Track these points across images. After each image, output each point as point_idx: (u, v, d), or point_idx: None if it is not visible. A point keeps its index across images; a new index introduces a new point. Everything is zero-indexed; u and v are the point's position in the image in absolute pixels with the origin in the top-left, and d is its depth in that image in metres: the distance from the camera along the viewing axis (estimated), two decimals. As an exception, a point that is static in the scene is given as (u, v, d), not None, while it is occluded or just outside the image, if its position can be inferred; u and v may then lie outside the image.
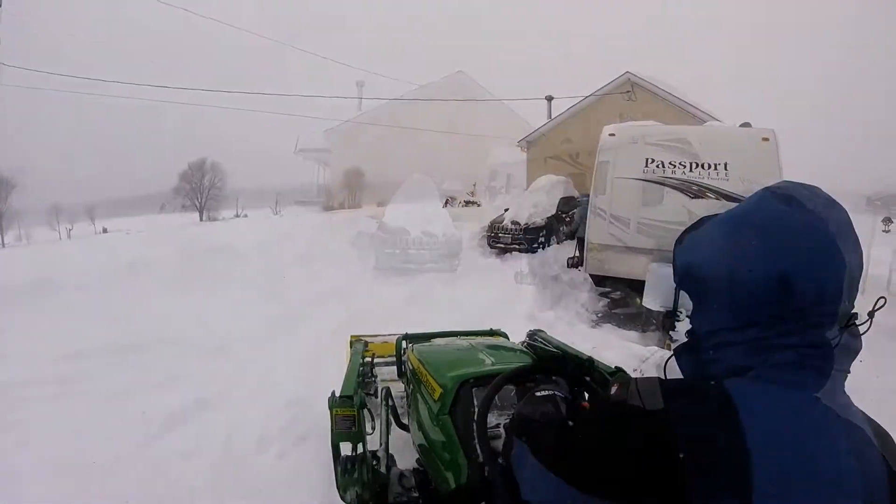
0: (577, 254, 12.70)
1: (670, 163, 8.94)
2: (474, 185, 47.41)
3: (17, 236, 59.71)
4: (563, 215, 15.31)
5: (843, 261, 0.87)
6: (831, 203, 0.92)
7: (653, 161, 9.02)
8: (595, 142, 19.99)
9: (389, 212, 13.21)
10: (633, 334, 8.30)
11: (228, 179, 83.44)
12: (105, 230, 60.25)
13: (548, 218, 14.49)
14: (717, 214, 1.04)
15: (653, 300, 5.58)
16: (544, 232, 14.19)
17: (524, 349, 3.25)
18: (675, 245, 1.10)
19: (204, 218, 74.34)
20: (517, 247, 14.06)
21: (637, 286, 8.71)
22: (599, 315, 9.39)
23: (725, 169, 8.72)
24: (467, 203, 38.66)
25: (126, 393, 5.82)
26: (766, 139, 8.74)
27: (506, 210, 15.86)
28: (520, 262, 12.77)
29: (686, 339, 1.06)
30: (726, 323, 0.95)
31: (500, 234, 14.38)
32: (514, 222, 14.31)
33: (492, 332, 4.18)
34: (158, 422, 5.14)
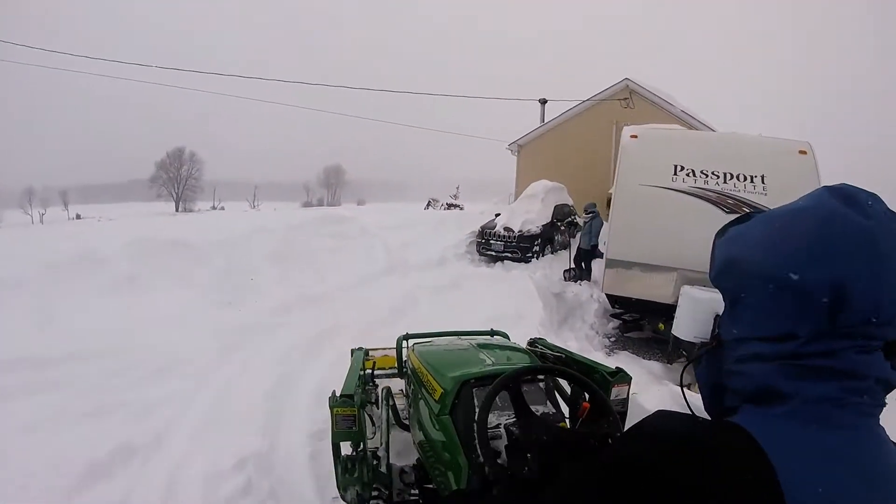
0: (574, 266, 11.51)
1: (702, 172, 7.77)
2: (457, 187, 46.59)
3: None
4: (559, 223, 14.13)
5: None
6: (893, 215, 0.77)
7: (682, 169, 7.83)
8: (592, 149, 19.92)
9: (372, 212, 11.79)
10: (656, 365, 7.15)
11: (206, 170, 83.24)
12: (79, 216, 59.60)
13: (543, 226, 13.31)
14: (765, 210, 0.88)
15: (686, 329, 4.39)
16: (539, 241, 13.00)
17: (525, 350, 3.19)
18: (716, 237, 0.92)
19: (180, 209, 73.94)
20: (510, 255, 12.86)
21: (658, 310, 7.52)
22: (612, 339, 8.18)
23: (763, 182, 7.60)
24: (449, 206, 37.87)
25: (38, 427, 4.61)
26: (803, 152, 7.74)
27: (497, 215, 14.62)
28: (513, 272, 11.53)
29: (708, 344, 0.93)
30: (760, 331, 0.80)
31: (491, 241, 13.14)
32: (507, 229, 13.08)
33: (492, 333, 4.08)
34: (72, 475, 3.94)
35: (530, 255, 12.78)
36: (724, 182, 7.70)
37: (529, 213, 13.33)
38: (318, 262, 10.94)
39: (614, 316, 8.51)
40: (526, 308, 7.50)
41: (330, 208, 50.30)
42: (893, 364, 0.76)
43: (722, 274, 0.89)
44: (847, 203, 0.76)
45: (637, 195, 7.79)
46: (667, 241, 7.44)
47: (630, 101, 19.57)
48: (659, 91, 19.89)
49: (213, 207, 72.61)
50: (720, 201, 7.54)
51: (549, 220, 13.64)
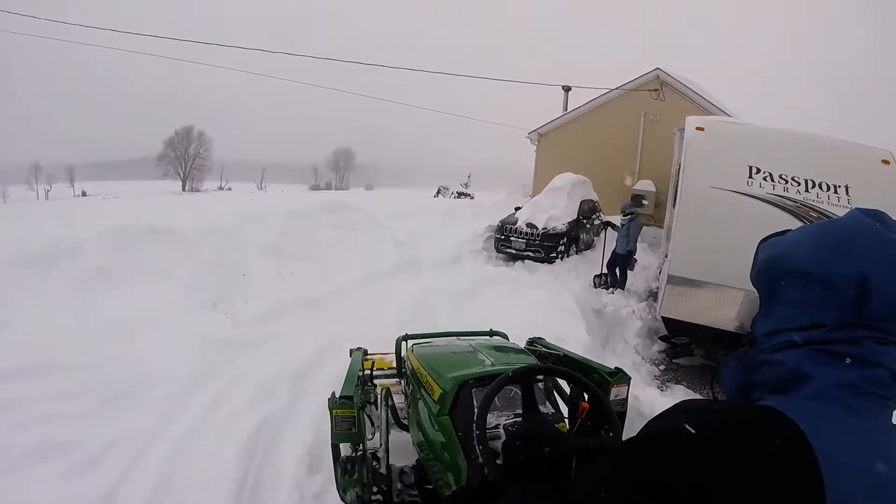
0: (607, 272, 10.20)
1: (781, 177, 6.46)
2: (468, 175, 45.23)
3: None
4: (584, 221, 12.80)
5: None
6: None
7: (758, 171, 6.52)
8: (617, 142, 18.53)
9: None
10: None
11: (215, 150, 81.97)
12: (84, 193, 58.75)
13: (569, 223, 11.97)
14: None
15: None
16: (564, 240, 11.67)
17: (524, 350, 3.29)
18: (759, 244, 1.03)
19: (187, 188, 72.84)
20: (531, 254, 11.55)
21: (717, 337, 6.21)
22: (661, 368, 6.89)
23: (847, 193, 6.34)
24: (460, 194, 36.53)
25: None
26: (885, 162, 6.58)
27: (517, 209, 13.29)
28: (537, 274, 10.24)
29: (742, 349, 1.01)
30: (793, 322, 0.89)
31: (512, 238, 11.80)
32: (529, 225, 11.75)
33: (492, 333, 4.08)
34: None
35: (554, 255, 11.46)
36: (807, 191, 6.40)
37: (555, 209, 12.00)
38: (319, 256, 9.67)
39: (662, 339, 7.19)
40: (564, 327, 6.19)
41: (337, 192, 49.22)
42: None
43: (761, 273, 0.97)
44: (876, 219, 0.87)
45: (708, 200, 6.44)
46: (740, 257, 6.09)
47: (661, 92, 18.15)
48: (690, 82, 18.50)
49: (220, 188, 71.86)
50: (802, 213, 6.23)
51: (574, 216, 12.31)
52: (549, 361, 3.14)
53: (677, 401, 0.89)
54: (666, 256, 7.14)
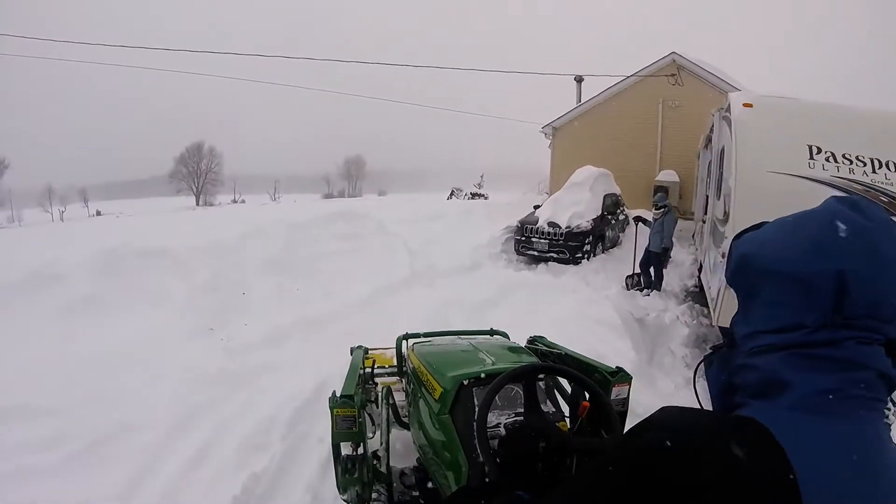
0: (640, 271, 9.29)
1: (845, 157, 5.54)
2: (481, 176, 44.31)
3: (8, 217, 58.57)
4: (609, 217, 11.91)
5: None
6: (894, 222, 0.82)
7: (819, 151, 5.60)
8: (635, 131, 17.59)
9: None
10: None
11: (227, 164, 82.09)
12: (99, 213, 59.02)
13: (593, 220, 11.08)
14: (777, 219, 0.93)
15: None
16: (590, 238, 10.78)
17: (525, 349, 3.23)
18: (733, 241, 0.98)
19: (200, 203, 72.94)
20: (555, 255, 10.67)
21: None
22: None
23: (918, 175, 5.42)
24: (474, 195, 35.67)
25: None
26: None
27: (536, 207, 12.42)
28: (563, 278, 9.37)
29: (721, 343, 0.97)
30: (771, 324, 0.84)
31: (533, 239, 10.93)
32: (551, 224, 10.88)
33: (492, 332, 4.06)
34: None
35: (580, 255, 10.57)
36: (874, 171, 5.48)
37: (578, 206, 11.11)
38: (326, 271, 8.88)
39: (715, 349, 6.27)
40: (605, 342, 5.29)
41: (350, 200, 48.66)
42: (895, 362, 0.79)
43: (737, 272, 0.92)
44: (852, 208, 0.81)
45: (766, 187, 5.46)
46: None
47: (678, 77, 17.22)
48: (708, 65, 17.55)
49: (234, 201, 72.04)
50: (871, 198, 5.32)
51: (599, 212, 11.41)
52: (549, 360, 3.14)
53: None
54: (701, 252, 6.19)
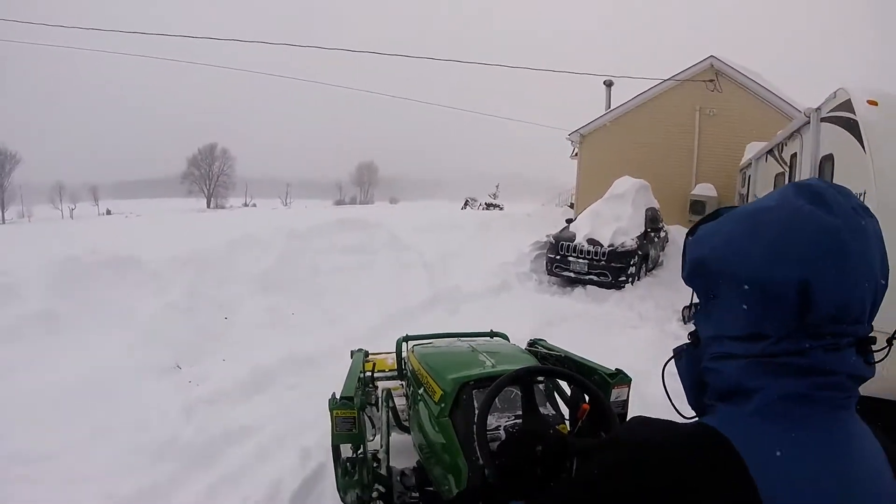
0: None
1: None
2: (497, 185, 42.82)
3: (19, 213, 58.04)
4: (652, 234, 10.35)
5: (873, 278, 0.73)
6: (863, 211, 0.75)
7: None
8: (670, 140, 16.05)
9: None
10: None
11: (239, 167, 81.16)
12: (109, 211, 58.40)
13: (637, 238, 9.50)
14: (734, 206, 0.85)
15: None
16: (635, 259, 9.19)
17: (525, 351, 3.23)
18: (686, 237, 0.90)
19: (211, 205, 72.00)
20: (595, 278, 9.07)
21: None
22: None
23: None
24: (489, 206, 34.19)
25: None
26: None
27: (569, 221, 10.87)
28: (606, 305, 7.84)
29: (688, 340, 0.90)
30: (732, 330, 0.78)
31: (570, 259, 9.30)
32: (591, 242, 9.27)
33: (492, 334, 3.99)
34: None
35: (624, 278, 8.97)
36: None
37: (620, 221, 9.50)
38: (329, 291, 7.38)
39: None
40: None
41: (362, 207, 47.51)
42: (867, 359, 0.75)
43: (693, 275, 0.86)
44: (813, 200, 0.74)
45: None
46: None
47: (717, 83, 15.77)
48: (749, 70, 16.06)
49: (245, 204, 71.30)
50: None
51: (642, 228, 9.84)
52: (549, 362, 3.14)
53: None
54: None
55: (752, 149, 10.98)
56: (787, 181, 7.12)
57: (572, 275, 9.23)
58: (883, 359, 0.76)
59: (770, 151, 8.71)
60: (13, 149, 61.71)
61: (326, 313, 6.70)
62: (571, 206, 20.11)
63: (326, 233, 8.88)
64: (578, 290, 9.05)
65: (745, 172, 11.61)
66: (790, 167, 7.58)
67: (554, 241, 9.66)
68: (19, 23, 14.82)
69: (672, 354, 0.94)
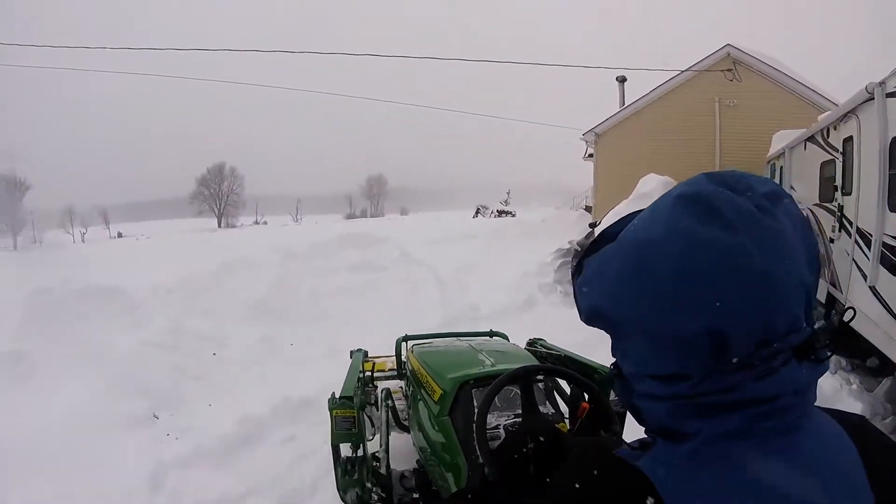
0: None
1: None
2: (508, 192, 41.95)
3: (31, 238, 58.07)
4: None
5: (798, 284, 0.62)
6: (772, 199, 0.62)
7: None
8: (688, 135, 15.20)
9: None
10: None
11: (249, 185, 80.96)
12: (120, 234, 58.26)
13: (670, 241, 8.59)
14: (619, 226, 0.71)
15: None
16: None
17: (524, 350, 3.26)
18: (573, 276, 0.77)
19: (222, 224, 71.76)
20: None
21: None
22: None
23: None
24: (500, 213, 33.31)
25: None
26: None
27: (592, 226, 9.98)
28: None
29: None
30: (649, 369, 0.67)
31: (598, 267, 8.44)
32: (621, 247, 8.38)
33: (492, 334, 4.05)
34: None
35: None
36: None
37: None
38: (332, 315, 6.55)
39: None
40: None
41: (372, 220, 46.91)
42: (814, 358, 0.63)
43: (591, 321, 0.73)
44: (707, 218, 0.60)
45: None
46: None
47: (735, 72, 14.94)
48: (767, 57, 15.24)
49: (256, 222, 71.17)
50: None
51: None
52: (549, 361, 3.13)
53: None
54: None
55: (782, 138, 10.19)
56: (839, 170, 6.28)
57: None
58: (831, 355, 0.63)
59: (811, 138, 7.80)
60: (22, 175, 61.98)
61: (329, 342, 5.86)
62: (587, 209, 19.31)
63: (329, 251, 8.06)
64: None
65: (774, 163, 10.75)
66: (843, 153, 6.72)
67: (579, 249, 8.78)
68: (21, 46, 14.50)
69: (611, 371, 0.77)
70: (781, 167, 9.83)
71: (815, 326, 0.65)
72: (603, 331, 0.72)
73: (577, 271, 0.75)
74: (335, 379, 4.77)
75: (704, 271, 0.59)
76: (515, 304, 7.35)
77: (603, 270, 0.68)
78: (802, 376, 0.63)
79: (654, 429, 0.70)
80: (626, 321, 0.66)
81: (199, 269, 6.76)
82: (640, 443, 0.75)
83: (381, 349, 5.69)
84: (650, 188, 9.57)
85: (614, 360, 0.75)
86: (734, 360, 0.61)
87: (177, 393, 4.84)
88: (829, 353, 0.65)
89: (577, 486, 0.66)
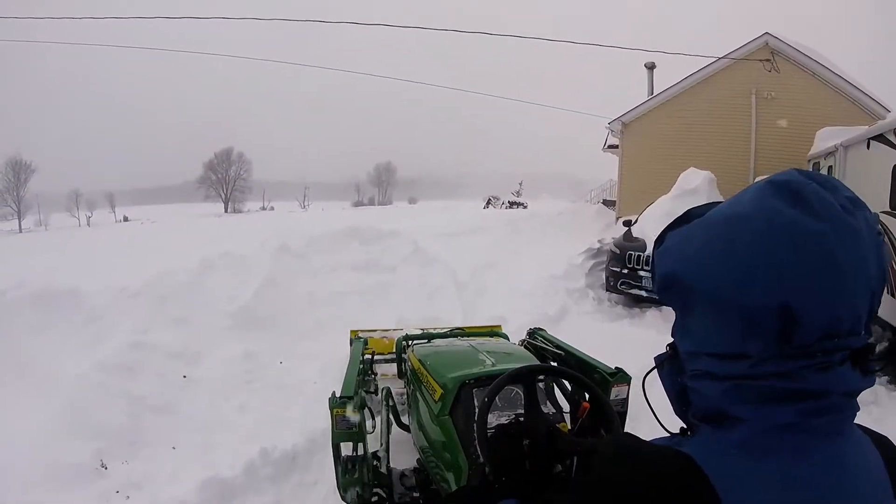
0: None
1: None
2: (520, 182, 40.83)
3: (36, 221, 57.57)
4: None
5: (868, 283, 0.61)
6: (854, 204, 0.62)
7: None
8: (723, 126, 13.94)
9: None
10: None
11: (256, 171, 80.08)
12: (126, 218, 57.62)
13: (720, 243, 7.43)
14: (706, 208, 0.72)
15: None
16: (721, 271, 7.13)
17: (525, 349, 3.24)
18: (655, 246, 0.77)
19: (229, 209, 70.91)
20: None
21: None
22: None
23: None
24: (512, 204, 32.12)
25: None
26: None
27: (627, 223, 8.78)
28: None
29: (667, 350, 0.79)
30: (710, 347, 0.67)
31: (641, 273, 7.19)
32: (667, 251, 7.22)
33: (492, 333, 4.02)
34: None
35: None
36: None
37: (699, 223, 7.50)
38: (333, 325, 5.45)
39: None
40: None
41: (380, 208, 45.78)
42: (864, 369, 0.63)
43: (664, 290, 0.74)
44: (793, 202, 0.62)
45: None
46: None
47: (773, 63, 13.74)
48: (808, 49, 13.99)
49: (263, 208, 70.37)
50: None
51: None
52: (550, 358, 3.14)
53: None
54: None
55: (829, 135, 9.23)
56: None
57: (644, 293, 7.15)
58: (880, 369, 0.53)
59: (879, 137, 6.65)
60: (28, 158, 61.41)
61: (324, 359, 4.79)
62: (605, 202, 18.20)
63: (329, 247, 6.94)
64: (652, 312, 7.00)
65: (819, 163, 9.59)
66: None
67: (618, 251, 7.58)
68: (20, 19, 13.70)
69: (654, 364, 0.80)
70: (830, 167, 8.69)
71: (876, 345, 0.49)
72: (671, 306, 0.72)
73: (658, 242, 0.74)
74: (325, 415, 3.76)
75: (784, 252, 0.59)
76: (547, 315, 6.21)
77: (688, 239, 0.68)
78: (855, 380, 0.62)
79: (701, 413, 0.68)
80: (700, 289, 0.65)
81: (174, 267, 5.66)
82: (681, 430, 0.73)
83: (391, 367, 4.65)
84: (695, 184, 8.37)
85: (671, 340, 0.74)
86: (798, 346, 0.59)
87: (134, 431, 3.77)
88: (878, 368, 0.67)
89: (624, 475, 0.65)
